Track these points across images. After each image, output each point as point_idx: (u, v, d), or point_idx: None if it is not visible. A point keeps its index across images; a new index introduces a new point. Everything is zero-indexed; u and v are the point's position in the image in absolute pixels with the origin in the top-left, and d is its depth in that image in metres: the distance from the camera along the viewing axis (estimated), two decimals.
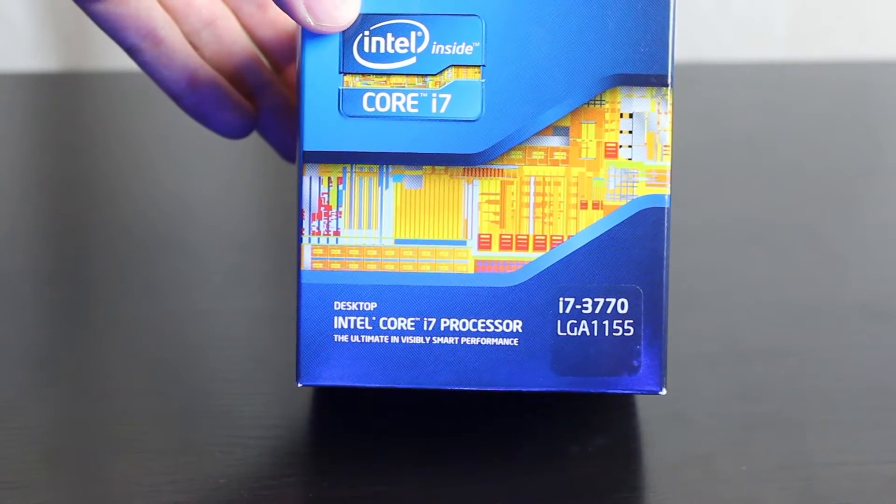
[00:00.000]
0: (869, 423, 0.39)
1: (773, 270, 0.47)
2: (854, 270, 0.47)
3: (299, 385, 0.34)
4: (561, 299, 0.33)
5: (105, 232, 0.48)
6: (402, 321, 0.33)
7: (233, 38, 0.40)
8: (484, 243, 0.33)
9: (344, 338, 0.33)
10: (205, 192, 0.52)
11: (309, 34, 0.33)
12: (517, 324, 0.33)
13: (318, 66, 0.33)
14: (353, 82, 0.33)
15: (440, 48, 0.33)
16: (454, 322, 0.33)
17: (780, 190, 0.53)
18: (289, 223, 0.50)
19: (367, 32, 0.33)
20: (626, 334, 0.33)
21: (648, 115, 0.33)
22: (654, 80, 0.33)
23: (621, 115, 0.33)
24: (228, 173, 0.54)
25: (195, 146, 0.60)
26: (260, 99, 0.41)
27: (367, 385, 0.33)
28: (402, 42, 0.33)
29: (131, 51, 0.37)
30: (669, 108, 0.33)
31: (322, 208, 0.33)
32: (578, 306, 0.33)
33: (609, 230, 0.33)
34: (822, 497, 0.35)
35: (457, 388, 0.33)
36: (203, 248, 0.47)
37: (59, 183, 0.52)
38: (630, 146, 0.33)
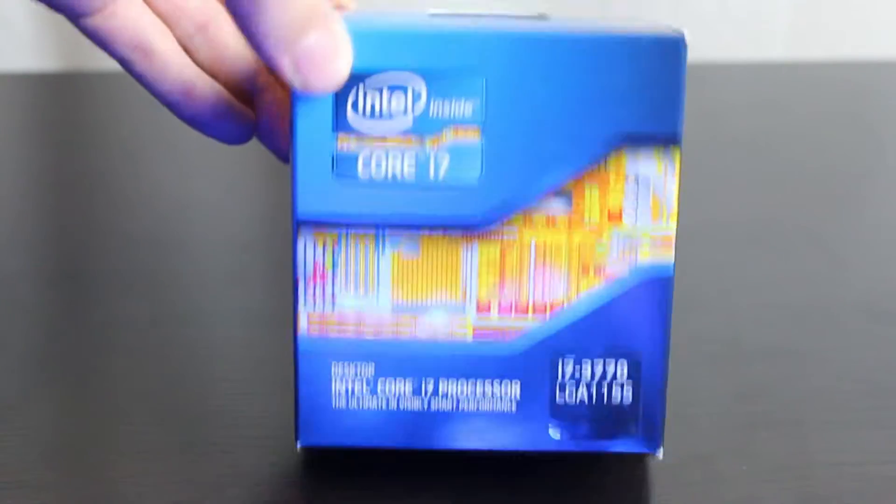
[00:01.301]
0: (869, 423, 0.39)
1: (774, 270, 0.47)
2: (854, 270, 0.47)
3: (298, 447, 0.34)
4: (560, 365, 0.33)
5: (105, 232, 0.48)
6: (401, 385, 0.33)
7: (226, 41, 0.40)
8: (482, 308, 0.32)
9: (342, 403, 0.33)
10: (205, 193, 0.52)
11: (299, 94, 0.31)
12: (516, 388, 0.33)
13: (310, 125, 0.31)
14: (347, 142, 0.31)
15: (438, 106, 0.31)
16: (452, 385, 0.33)
17: (780, 190, 0.53)
18: (289, 223, 0.50)
19: (361, 90, 0.31)
20: (624, 398, 0.33)
21: (655, 179, 0.32)
22: (662, 139, 0.31)
23: (626, 179, 0.32)
24: (228, 174, 0.54)
25: (195, 147, 0.60)
26: (257, 102, 0.41)
27: (366, 446, 0.33)
28: (398, 100, 0.31)
29: (123, 63, 0.37)
30: (676, 170, 0.32)
31: (317, 273, 0.32)
32: (577, 371, 0.33)
33: (611, 299, 0.32)
34: (822, 497, 0.36)
35: (456, 448, 0.33)
36: (203, 249, 0.47)
37: (59, 183, 0.52)
38: (634, 211, 0.32)
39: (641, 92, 0.31)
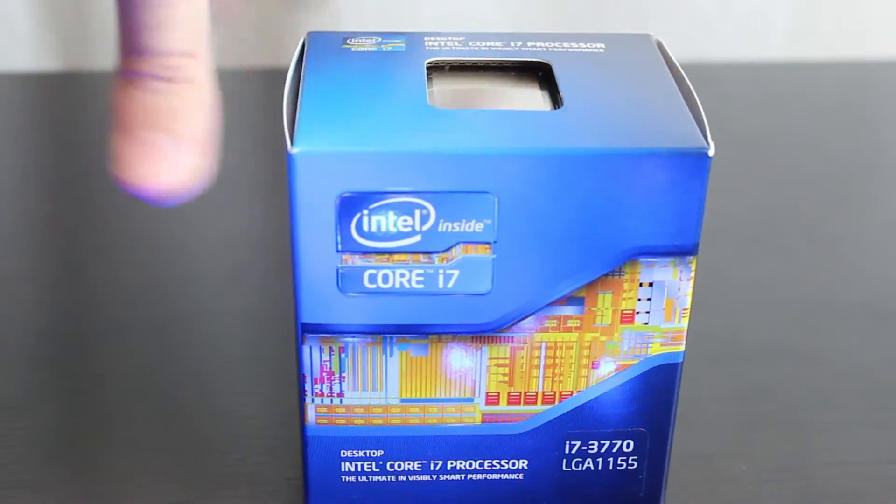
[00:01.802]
0: (869, 423, 0.39)
1: (773, 270, 0.47)
2: (854, 270, 0.47)
3: None
4: (567, 442, 0.33)
5: (104, 232, 0.48)
6: (409, 464, 0.33)
7: None
8: (492, 400, 0.32)
9: (352, 479, 0.33)
10: (204, 192, 0.52)
11: (299, 213, 0.29)
12: (523, 462, 0.33)
13: (312, 246, 0.30)
14: (352, 260, 0.30)
15: (447, 226, 0.30)
16: (460, 463, 0.33)
17: (779, 189, 0.53)
18: (288, 223, 0.50)
19: (365, 211, 0.29)
20: (629, 468, 0.33)
21: (669, 283, 0.31)
22: (679, 250, 0.30)
23: (640, 285, 0.31)
24: (228, 173, 0.54)
25: None
26: None
27: None
28: (405, 220, 0.29)
29: None
30: (692, 273, 0.31)
31: (324, 374, 0.32)
32: (584, 447, 0.33)
33: (619, 385, 0.32)
34: (822, 497, 0.35)
35: None
36: (202, 249, 0.47)
37: (58, 183, 0.52)
38: (648, 312, 0.31)
39: (660, 206, 0.30)
